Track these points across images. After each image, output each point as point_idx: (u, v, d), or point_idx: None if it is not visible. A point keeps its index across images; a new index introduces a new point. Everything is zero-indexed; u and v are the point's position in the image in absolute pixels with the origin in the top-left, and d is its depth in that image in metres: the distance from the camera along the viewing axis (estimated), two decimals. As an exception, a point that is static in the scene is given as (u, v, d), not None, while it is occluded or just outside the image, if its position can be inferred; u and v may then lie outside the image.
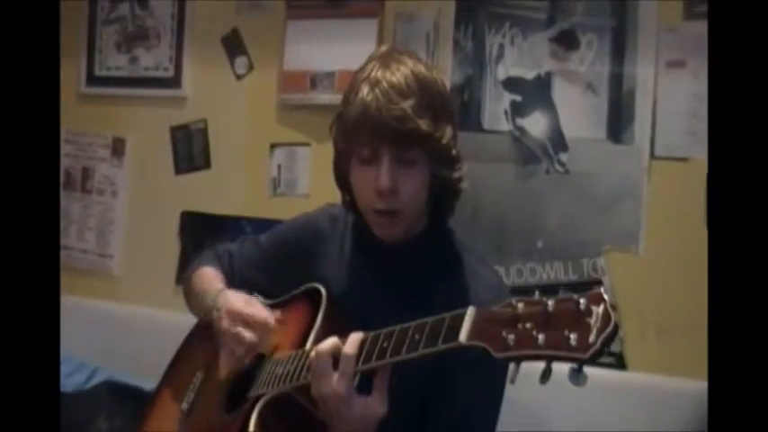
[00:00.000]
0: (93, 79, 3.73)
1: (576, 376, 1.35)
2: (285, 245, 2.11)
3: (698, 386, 2.38)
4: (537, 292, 1.43)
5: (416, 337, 1.55)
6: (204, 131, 3.51)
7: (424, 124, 1.74)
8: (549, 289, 2.80)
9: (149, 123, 3.61)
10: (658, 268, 2.78)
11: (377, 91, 1.73)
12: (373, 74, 1.78)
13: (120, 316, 3.51)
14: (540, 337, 1.37)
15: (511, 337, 1.40)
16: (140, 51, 3.62)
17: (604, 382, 2.59)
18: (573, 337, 1.34)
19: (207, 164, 3.51)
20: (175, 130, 3.56)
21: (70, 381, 3.25)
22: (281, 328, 1.92)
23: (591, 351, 1.32)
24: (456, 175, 1.86)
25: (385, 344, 1.60)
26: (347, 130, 1.81)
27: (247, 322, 1.88)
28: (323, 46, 3.21)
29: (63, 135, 3.74)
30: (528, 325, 1.39)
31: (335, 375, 1.62)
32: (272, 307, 2.00)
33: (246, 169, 3.43)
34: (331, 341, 1.66)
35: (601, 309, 1.34)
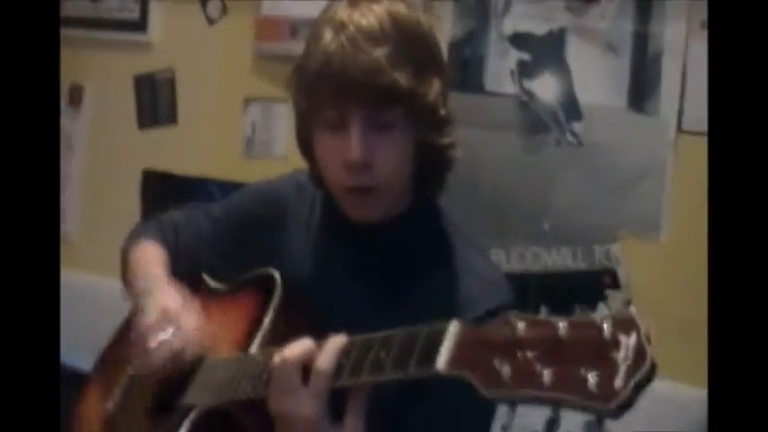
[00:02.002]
0: None
1: (595, 430, 1.10)
2: (241, 218, 1.92)
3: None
4: (544, 310, 1.16)
5: (382, 354, 1.33)
6: (171, 82, 3.43)
7: (402, 78, 1.54)
8: (555, 278, 2.78)
9: (111, 71, 3.55)
10: (682, 258, 2.65)
11: (342, 37, 1.53)
12: (338, 15, 1.57)
13: (75, 285, 3.32)
14: (547, 373, 1.11)
15: (506, 368, 1.15)
16: None
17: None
18: (592, 377, 1.07)
19: (173, 118, 3.44)
20: (139, 80, 3.48)
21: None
22: (223, 319, 1.75)
23: (617, 400, 1.05)
24: (446, 140, 1.66)
25: (344, 361, 1.41)
26: (307, 87, 1.61)
27: (177, 323, 1.70)
28: None
29: (15, 80, 3.66)
30: (530, 354, 1.14)
31: (304, 392, 1.42)
32: (219, 293, 1.85)
33: (217, 126, 3.37)
34: (302, 346, 1.44)
35: (632, 340, 1.08)
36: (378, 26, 1.54)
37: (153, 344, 1.66)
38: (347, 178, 1.59)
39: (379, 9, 1.56)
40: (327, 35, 1.54)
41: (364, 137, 1.55)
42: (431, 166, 1.67)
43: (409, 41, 1.56)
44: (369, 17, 1.54)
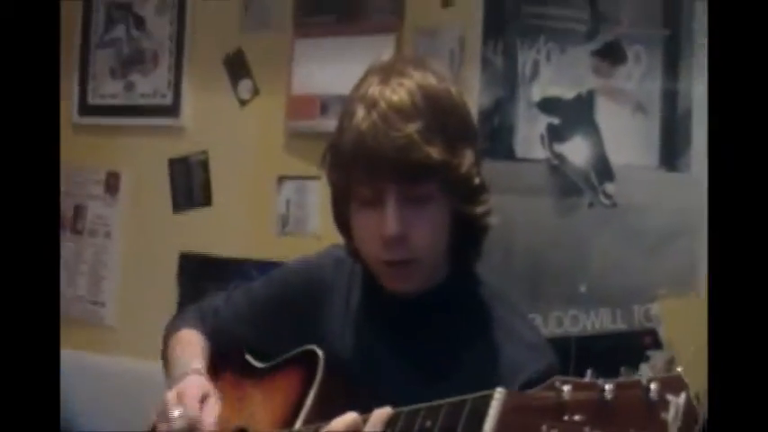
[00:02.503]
0: (85, 108, 3.68)
1: None
2: (280, 296, 1.89)
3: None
4: (589, 372, 1.16)
5: (428, 423, 1.32)
6: (205, 164, 3.43)
7: (434, 151, 1.52)
8: (595, 340, 2.73)
9: (146, 156, 3.56)
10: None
11: (374, 114, 1.52)
12: (370, 92, 1.55)
13: (115, 370, 3.43)
14: None
15: None
16: (136, 77, 3.56)
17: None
18: None
19: (208, 200, 3.43)
20: (174, 163, 3.49)
21: (50, 447, 3.04)
22: (267, 397, 1.74)
23: None
24: (480, 209, 1.63)
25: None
26: (341, 165, 1.60)
27: (184, 408, 1.70)
28: (335, 66, 3.07)
29: (53, 170, 3.70)
30: (577, 417, 1.13)
31: None
32: (262, 371, 1.83)
33: (251, 205, 3.35)
34: (347, 419, 1.43)
35: (682, 399, 1.07)
36: (409, 101, 1.52)
37: (162, 421, 1.68)
38: (384, 253, 1.57)
39: (409, 83, 1.54)
40: (360, 113, 1.53)
41: (400, 211, 1.53)
42: (467, 235, 1.65)
43: (441, 114, 1.55)
44: (400, 92, 1.53)
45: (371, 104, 1.53)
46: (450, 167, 1.54)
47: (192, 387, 1.72)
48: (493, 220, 1.64)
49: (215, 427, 1.66)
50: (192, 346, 1.91)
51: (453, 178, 1.55)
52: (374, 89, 1.54)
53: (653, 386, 1.07)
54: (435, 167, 1.52)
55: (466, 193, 1.59)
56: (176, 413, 1.66)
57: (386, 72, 1.58)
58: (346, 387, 1.62)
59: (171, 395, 1.70)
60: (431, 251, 1.59)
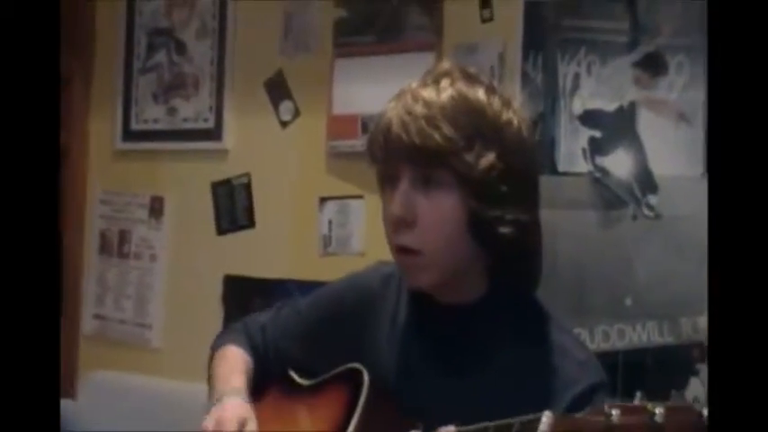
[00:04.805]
0: (129, 134, 3.71)
1: None
2: (328, 312, 1.87)
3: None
4: (638, 395, 1.15)
5: None
6: (248, 186, 3.45)
7: (442, 138, 1.54)
8: (643, 354, 2.68)
9: (189, 180, 3.59)
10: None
11: (400, 103, 1.59)
12: (405, 89, 1.63)
13: (161, 392, 3.47)
14: None
15: None
16: (178, 101, 3.59)
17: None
18: None
19: (251, 222, 3.45)
20: (217, 186, 3.52)
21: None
22: (311, 415, 1.75)
23: None
24: (493, 213, 1.58)
25: None
26: (370, 150, 1.66)
27: None
28: (375, 86, 3.06)
29: (98, 195, 3.78)
30: None
31: None
32: (307, 389, 1.82)
33: (294, 226, 3.37)
34: None
35: None
36: (435, 96, 1.56)
37: None
38: (394, 236, 1.59)
39: (444, 85, 1.58)
40: (391, 104, 1.59)
41: (408, 193, 1.56)
42: (485, 240, 1.61)
43: (464, 111, 1.57)
44: (429, 89, 1.58)
45: (400, 96, 1.59)
46: (460, 159, 1.55)
47: (230, 413, 1.72)
48: (506, 230, 1.59)
49: None
50: (234, 363, 1.90)
51: (465, 172, 1.56)
52: (410, 86, 1.61)
53: (705, 412, 1.06)
54: (442, 152, 1.54)
55: (481, 193, 1.57)
56: None
57: (435, 76, 1.62)
58: (392, 405, 1.61)
59: (209, 423, 1.70)
60: (439, 241, 1.58)
